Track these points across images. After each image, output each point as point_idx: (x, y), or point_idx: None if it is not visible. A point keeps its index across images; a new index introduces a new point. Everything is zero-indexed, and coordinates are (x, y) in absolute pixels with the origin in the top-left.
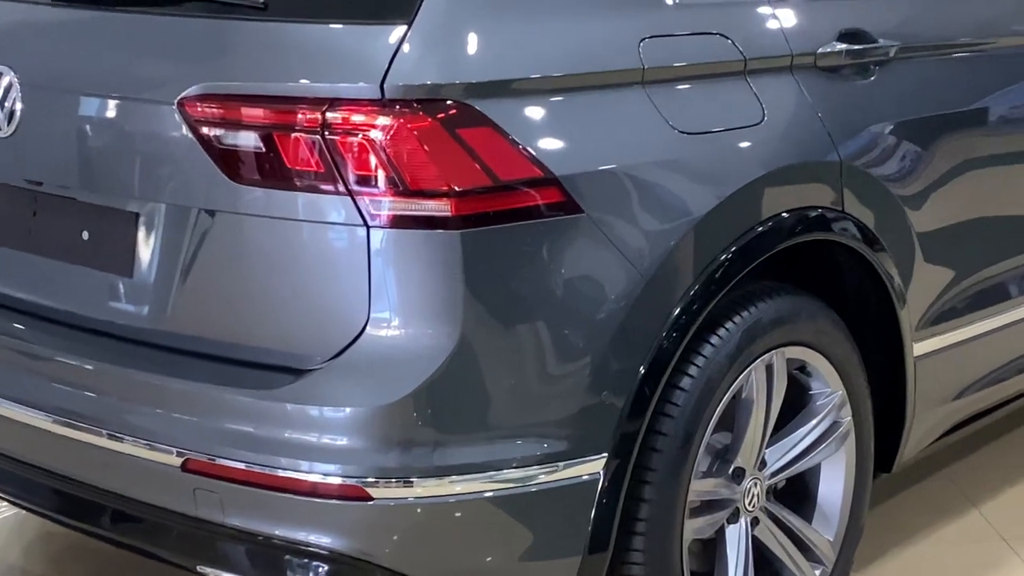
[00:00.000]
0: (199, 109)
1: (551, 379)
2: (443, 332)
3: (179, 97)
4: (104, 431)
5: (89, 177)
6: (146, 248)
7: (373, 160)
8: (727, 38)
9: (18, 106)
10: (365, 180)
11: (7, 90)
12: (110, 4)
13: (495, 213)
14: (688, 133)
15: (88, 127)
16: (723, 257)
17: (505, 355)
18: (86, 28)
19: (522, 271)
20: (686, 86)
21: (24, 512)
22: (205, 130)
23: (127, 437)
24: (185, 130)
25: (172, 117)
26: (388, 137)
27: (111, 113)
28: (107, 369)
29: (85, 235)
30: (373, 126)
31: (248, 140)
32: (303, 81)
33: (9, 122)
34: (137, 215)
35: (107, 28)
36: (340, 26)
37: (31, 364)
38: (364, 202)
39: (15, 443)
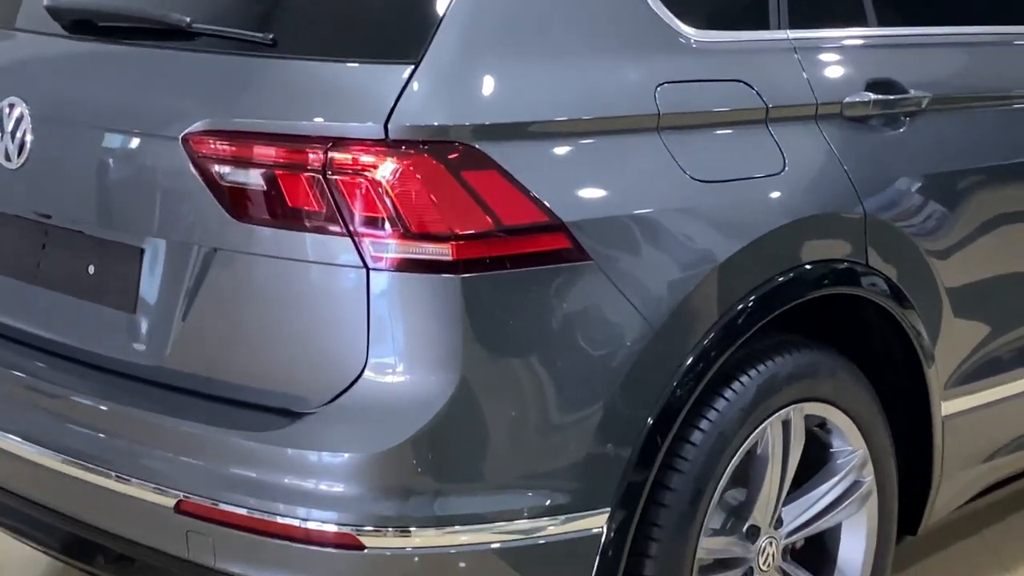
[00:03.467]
0: (203, 146)
1: (554, 428)
2: (442, 378)
3: (184, 133)
4: (99, 468)
5: (96, 211)
6: (149, 284)
7: (375, 201)
8: (749, 85)
9: (28, 138)
10: (366, 221)
11: (18, 121)
12: (122, 37)
13: (498, 258)
14: (704, 181)
15: (96, 160)
16: (739, 308)
17: (507, 403)
18: (97, 61)
19: (525, 317)
20: (703, 133)
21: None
22: (209, 167)
23: (122, 475)
24: (189, 166)
25: (177, 153)
26: (390, 178)
27: (119, 147)
28: (106, 406)
29: (91, 269)
30: (375, 167)
31: (250, 178)
32: (308, 119)
33: (20, 154)
34: (142, 250)
35: (118, 61)
36: (347, 65)
37: (37, 399)
38: (364, 243)
39: (13, 477)
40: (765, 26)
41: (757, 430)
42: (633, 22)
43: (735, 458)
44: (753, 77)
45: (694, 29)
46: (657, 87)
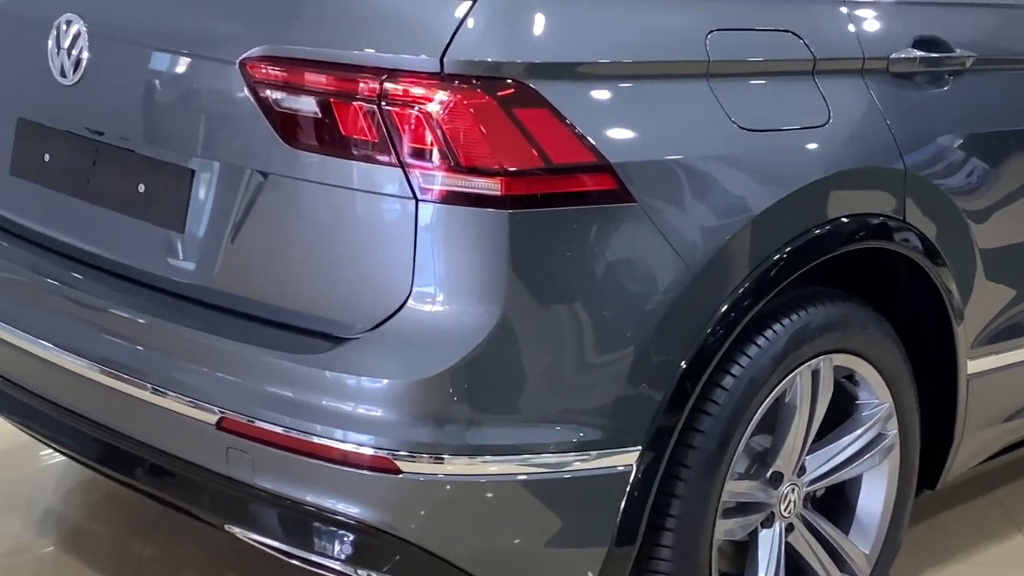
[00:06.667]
0: (260, 71)
1: (591, 366)
2: (485, 310)
3: (241, 57)
4: (144, 383)
5: (149, 130)
6: (199, 205)
7: (427, 134)
8: (797, 36)
9: (85, 55)
10: (418, 153)
11: (75, 38)
12: None
13: (545, 196)
14: (750, 129)
15: (152, 81)
16: (776, 257)
17: (546, 339)
18: None
19: (569, 255)
20: (751, 82)
21: (65, 459)
22: (264, 92)
23: (166, 391)
24: (245, 91)
25: (234, 77)
26: (444, 112)
27: (175, 68)
28: (151, 322)
29: (141, 188)
30: (430, 100)
31: (306, 105)
32: (364, 50)
33: (75, 70)
34: (193, 171)
35: None
36: None
37: (80, 312)
38: (415, 175)
39: (60, 390)
40: None
41: (787, 378)
42: None
43: (764, 405)
44: (802, 28)
45: None
46: (708, 34)
